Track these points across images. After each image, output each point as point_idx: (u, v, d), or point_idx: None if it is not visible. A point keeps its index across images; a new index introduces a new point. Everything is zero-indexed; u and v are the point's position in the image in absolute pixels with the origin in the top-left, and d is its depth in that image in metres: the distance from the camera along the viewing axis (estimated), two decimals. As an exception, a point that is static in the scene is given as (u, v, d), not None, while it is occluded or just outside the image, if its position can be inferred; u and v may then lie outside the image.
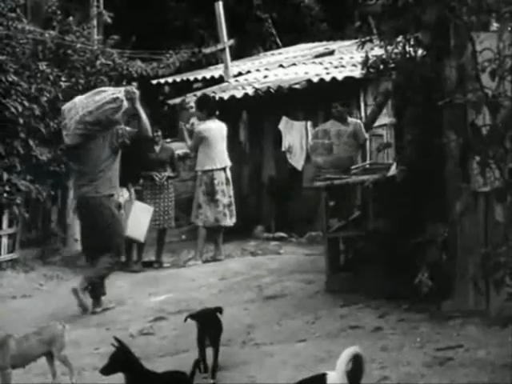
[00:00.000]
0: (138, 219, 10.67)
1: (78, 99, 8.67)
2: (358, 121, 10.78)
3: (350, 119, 10.57)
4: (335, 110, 10.39)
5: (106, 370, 4.85)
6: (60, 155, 11.22)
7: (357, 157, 10.60)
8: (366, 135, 10.66)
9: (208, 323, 5.72)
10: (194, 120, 11.90)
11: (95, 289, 8.47)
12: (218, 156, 10.96)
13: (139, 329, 7.48)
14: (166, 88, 16.62)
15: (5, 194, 10.28)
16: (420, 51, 7.13)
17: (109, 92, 8.71)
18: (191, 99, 11.92)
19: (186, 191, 13.00)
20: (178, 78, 15.61)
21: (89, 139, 8.48)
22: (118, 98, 8.50)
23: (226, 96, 12.51)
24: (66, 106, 8.72)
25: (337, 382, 3.96)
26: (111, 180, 8.60)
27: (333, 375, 4.01)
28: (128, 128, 8.75)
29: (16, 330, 6.23)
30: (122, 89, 8.83)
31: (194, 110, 11.80)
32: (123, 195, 10.93)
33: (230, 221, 10.99)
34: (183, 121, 12.32)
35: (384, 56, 7.45)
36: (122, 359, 4.80)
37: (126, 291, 9.55)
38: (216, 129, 11.02)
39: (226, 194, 10.95)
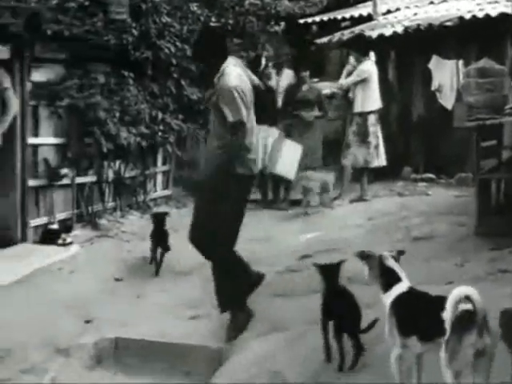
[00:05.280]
0: (289, 157, 10.74)
1: None
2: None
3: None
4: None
5: None
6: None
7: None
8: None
9: None
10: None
11: None
12: (374, 97, 10.92)
13: (286, 265, 7.63)
14: (314, 27, 16.46)
15: (159, 133, 10.60)
16: None
17: None
18: None
19: (332, 131, 12.96)
20: (325, 17, 15.41)
21: None
22: None
23: (374, 34, 12.30)
24: None
25: None
26: None
27: None
28: None
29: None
30: None
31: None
32: (273, 134, 11.05)
33: (378, 161, 10.97)
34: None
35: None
36: None
37: (273, 229, 9.74)
38: (374, 70, 10.98)
39: (375, 135, 10.90)
